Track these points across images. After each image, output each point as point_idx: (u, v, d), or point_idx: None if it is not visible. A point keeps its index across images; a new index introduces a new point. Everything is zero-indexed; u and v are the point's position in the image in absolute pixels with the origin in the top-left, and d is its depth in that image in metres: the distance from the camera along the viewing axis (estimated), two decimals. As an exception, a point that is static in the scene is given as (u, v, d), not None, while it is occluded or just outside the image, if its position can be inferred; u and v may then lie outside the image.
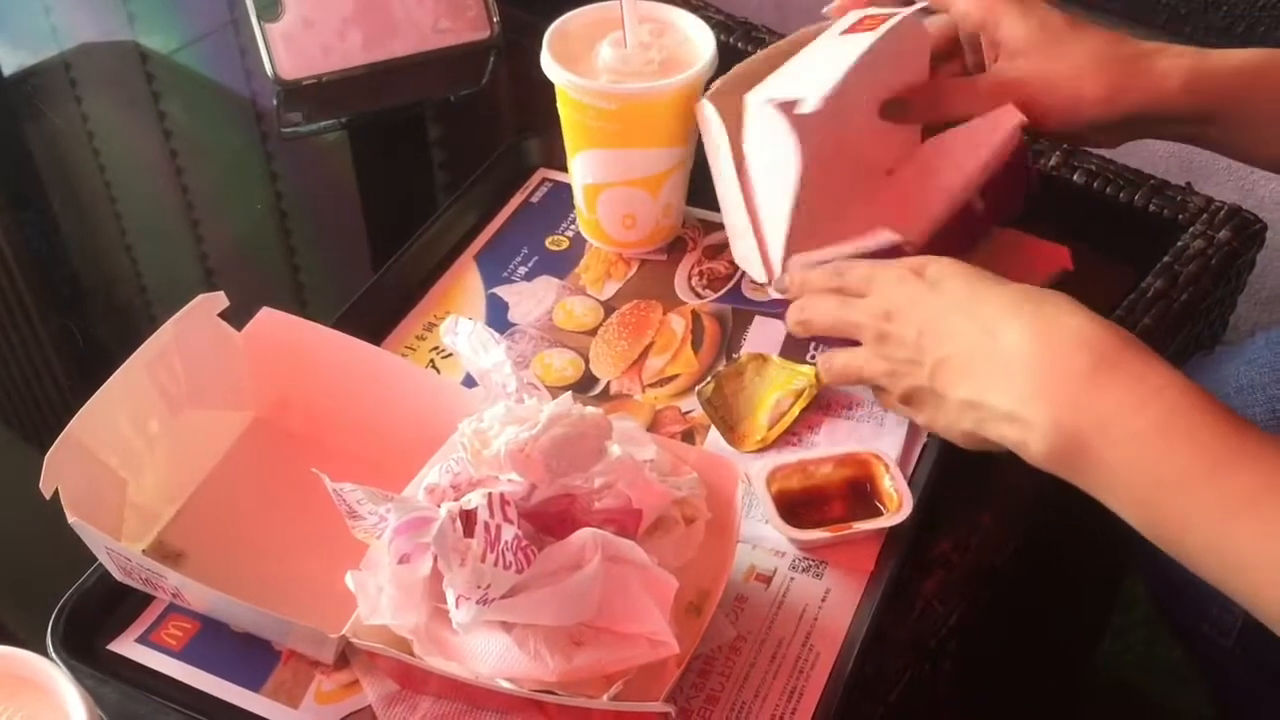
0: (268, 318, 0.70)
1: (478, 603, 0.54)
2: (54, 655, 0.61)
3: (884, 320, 0.65)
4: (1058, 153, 0.91)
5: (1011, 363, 0.59)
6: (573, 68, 0.78)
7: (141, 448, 0.67)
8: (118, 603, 0.65)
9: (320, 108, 1.02)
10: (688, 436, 0.73)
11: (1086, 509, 0.79)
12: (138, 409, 0.66)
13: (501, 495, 0.55)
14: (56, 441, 0.61)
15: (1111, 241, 0.88)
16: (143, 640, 0.64)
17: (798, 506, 0.67)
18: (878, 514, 0.66)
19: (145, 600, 0.65)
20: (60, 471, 0.60)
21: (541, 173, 0.91)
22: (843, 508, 0.68)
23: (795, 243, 0.74)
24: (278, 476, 0.69)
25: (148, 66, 1.12)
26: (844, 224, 0.73)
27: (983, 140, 0.74)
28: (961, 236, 0.74)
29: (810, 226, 0.73)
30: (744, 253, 0.78)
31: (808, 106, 0.69)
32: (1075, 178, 0.89)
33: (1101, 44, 0.70)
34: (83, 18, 1.18)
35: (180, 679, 0.62)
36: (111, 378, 0.64)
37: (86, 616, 0.64)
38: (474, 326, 0.63)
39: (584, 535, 0.57)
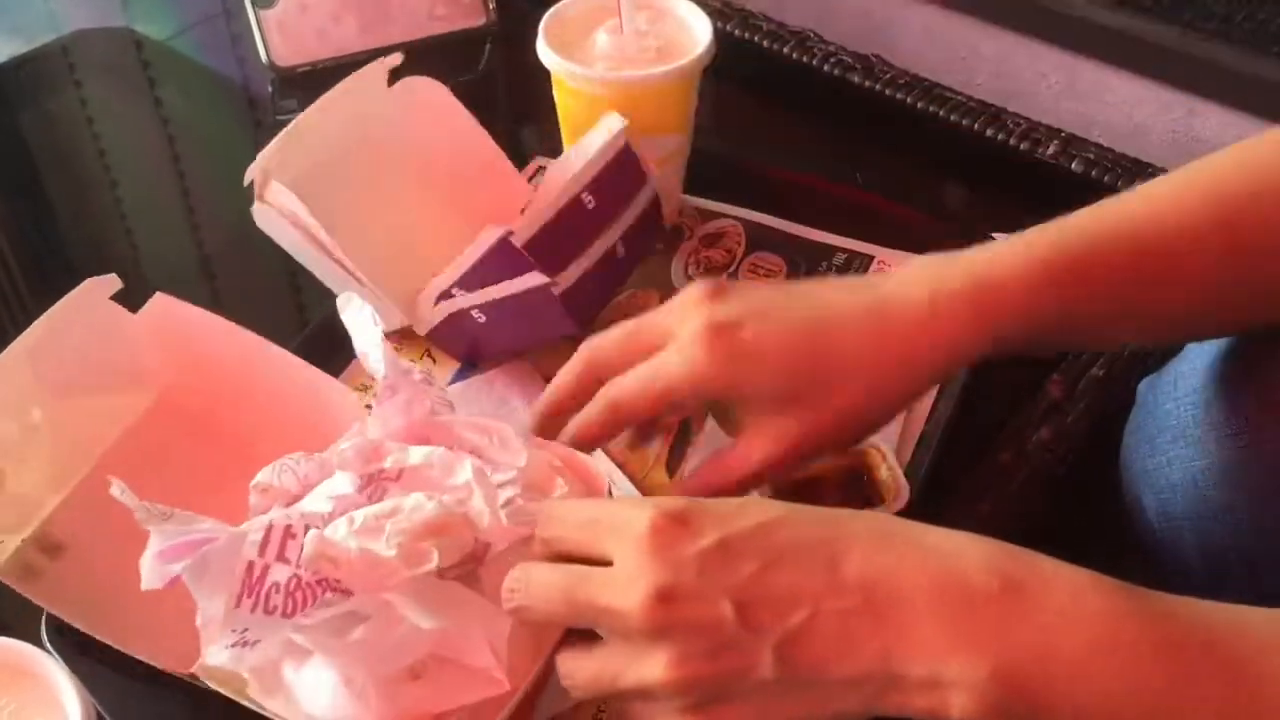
0: (162, 303, 0.67)
1: (234, 645, 0.49)
2: (48, 645, 0.61)
3: (658, 604, 0.45)
4: (1056, 141, 0.91)
5: (907, 615, 0.44)
6: (569, 55, 0.77)
7: (20, 438, 0.64)
8: (111, 591, 0.64)
9: (315, 94, 1.01)
10: (684, 426, 0.73)
11: (1084, 499, 0.79)
12: (16, 398, 0.64)
13: (287, 527, 0.50)
14: None
15: (1110, 230, 0.88)
16: (136, 629, 0.63)
17: (792, 495, 0.67)
18: (873, 505, 0.66)
19: (139, 589, 0.65)
20: None
21: (538, 160, 0.90)
22: (838, 498, 0.68)
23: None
24: (171, 465, 0.65)
25: (142, 53, 1.11)
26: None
27: (585, 151, 0.72)
28: (603, 276, 0.72)
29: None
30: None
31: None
32: (1074, 166, 0.89)
33: (857, 352, 0.55)
34: (77, 4, 1.18)
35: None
36: None
37: (80, 605, 0.63)
38: (362, 306, 0.57)
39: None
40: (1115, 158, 0.89)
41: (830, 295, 0.57)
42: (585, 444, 0.59)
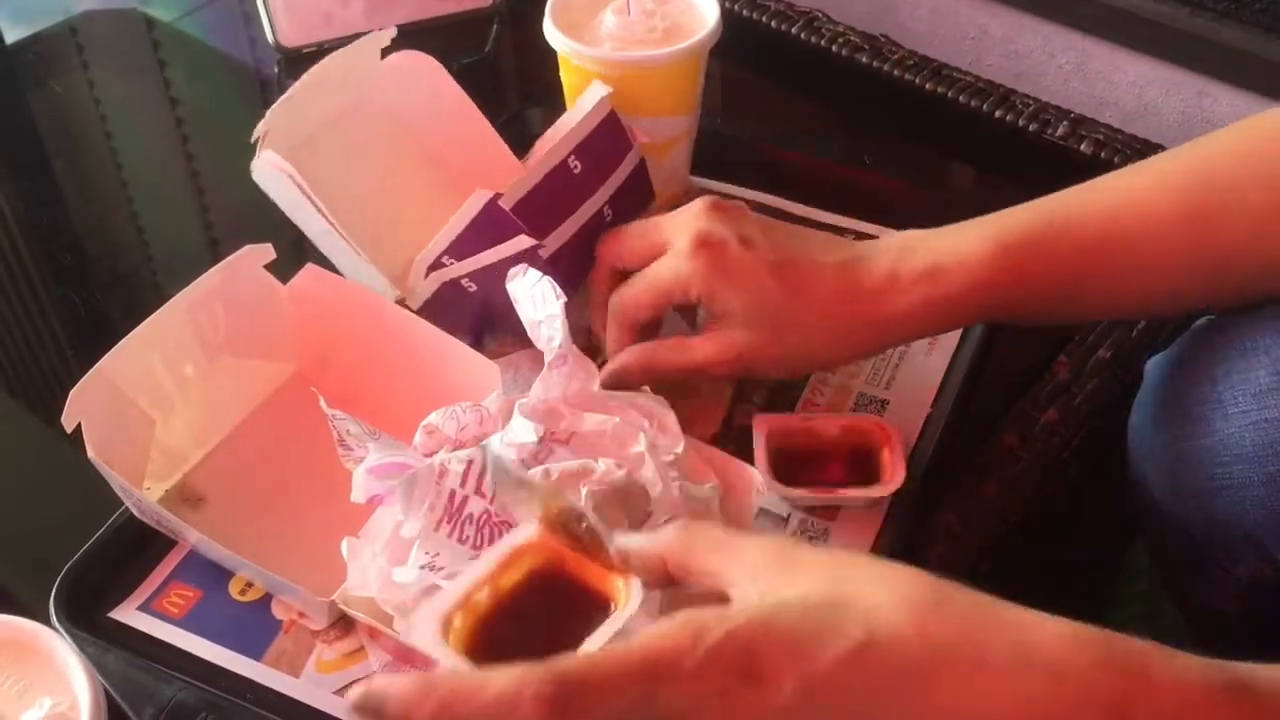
0: (312, 274, 0.70)
1: (423, 567, 0.53)
2: (56, 624, 0.61)
3: None
4: (1065, 122, 0.90)
5: None
6: (576, 35, 0.77)
7: (173, 390, 0.67)
8: (120, 571, 0.65)
9: (323, 76, 1.01)
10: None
11: (1090, 481, 0.79)
12: (173, 351, 0.66)
13: (484, 465, 0.54)
14: (84, 378, 0.61)
15: (1118, 212, 0.88)
16: (144, 608, 0.64)
17: (795, 464, 0.67)
18: (873, 483, 0.66)
19: (147, 568, 0.65)
20: (84, 407, 0.60)
21: (545, 141, 0.90)
22: (840, 473, 0.68)
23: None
24: (310, 431, 0.67)
25: (151, 34, 1.11)
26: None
27: (571, 120, 0.72)
28: (592, 238, 0.71)
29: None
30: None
31: None
32: (1083, 147, 0.89)
33: (820, 300, 0.61)
34: (85, -15, 1.18)
35: (182, 647, 0.62)
36: (149, 319, 0.64)
37: (88, 585, 0.63)
38: (540, 278, 0.60)
39: None
40: (1125, 139, 0.89)
41: (812, 245, 0.64)
42: (615, 350, 0.66)
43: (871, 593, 0.42)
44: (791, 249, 0.63)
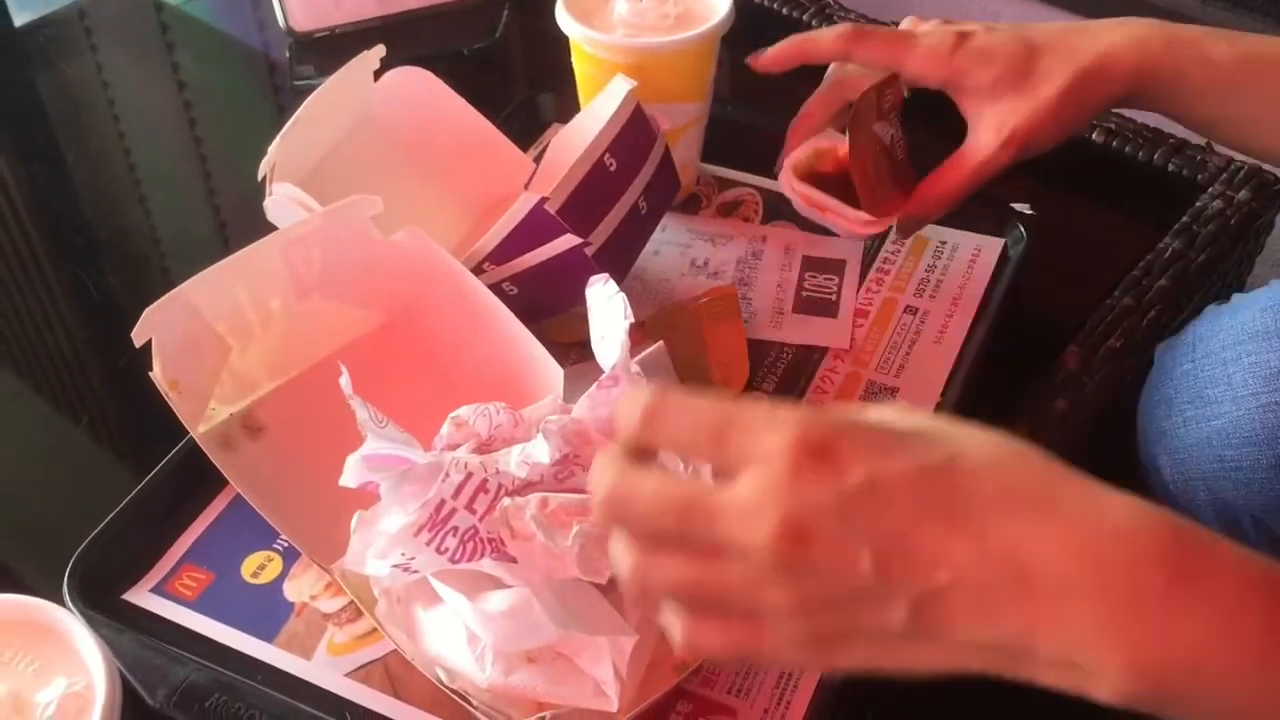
0: (412, 235, 0.69)
1: (396, 566, 0.52)
2: (70, 605, 0.61)
3: (789, 543, 0.41)
4: (1076, 111, 0.90)
5: (1057, 597, 0.41)
6: (588, 22, 0.77)
7: (255, 321, 0.67)
8: (132, 553, 0.65)
9: (333, 60, 1.00)
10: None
11: (1100, 470, 0.79)
12: (262, 285, 0.66)
13: (483, 480, 0.52)
14: (161, 299, 0.61)
15: (1129, 201, 0.88)
16: (157, 590, 0.64)
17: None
18: None
19: (160, 550, 0.66)
20: (158, 325, 0.60)
21: (555, 128, 0.90)
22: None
23: None
24: (386, 383, 0.66)
25: (160, 17, 1.11)
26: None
27: (598, 116, 0.72)
28: (630, 232, 0.73)
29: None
30: None
31: None
32: (1094, 136, 0.88)
33: (1056, 59, 0.69)
34: (94, -32, 1.18)
35: (194, 629, 0.63)
36: (241, 251, 0.64)
37: (102, 567, 0.64)
38: (615, 293, 0.58)
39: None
40: (1136, 127, 0.89)
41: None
42: (817, 44, 0.73)
43: (965, 435, 0.44)
44: (1026, 28, 0.71)
